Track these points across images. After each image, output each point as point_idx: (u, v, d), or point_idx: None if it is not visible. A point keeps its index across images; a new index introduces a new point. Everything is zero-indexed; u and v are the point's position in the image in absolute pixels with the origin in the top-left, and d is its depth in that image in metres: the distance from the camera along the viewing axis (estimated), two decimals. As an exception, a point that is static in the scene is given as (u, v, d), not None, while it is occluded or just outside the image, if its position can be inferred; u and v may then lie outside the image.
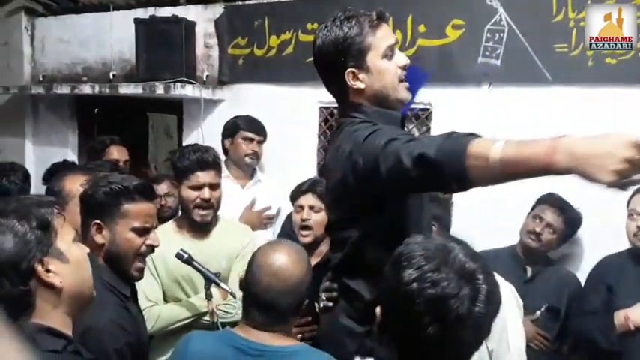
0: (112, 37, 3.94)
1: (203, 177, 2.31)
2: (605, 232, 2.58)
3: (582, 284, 2.61)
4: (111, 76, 3.95)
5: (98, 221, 1.66)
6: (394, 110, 1.62)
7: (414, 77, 1.67)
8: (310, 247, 2.36)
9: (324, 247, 2.37)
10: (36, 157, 4.38)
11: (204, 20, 3.66)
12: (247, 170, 3.18)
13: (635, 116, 2.56)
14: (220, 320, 2.13)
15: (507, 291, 1.81)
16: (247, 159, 3.12)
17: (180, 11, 3.62)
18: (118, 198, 1.66)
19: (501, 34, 2.84)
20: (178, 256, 2.11)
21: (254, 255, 1.57)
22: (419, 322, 1.01)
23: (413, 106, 3.04)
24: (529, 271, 2.65)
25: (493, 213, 2.74)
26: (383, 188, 1.41)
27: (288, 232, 2.69)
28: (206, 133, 3.58)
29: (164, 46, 3.49)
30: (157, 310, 2.22)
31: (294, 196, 2.53)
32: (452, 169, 1.23)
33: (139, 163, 3.98)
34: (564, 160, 1.10)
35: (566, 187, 2.54)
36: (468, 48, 2.92)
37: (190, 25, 3.59)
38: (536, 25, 2.79)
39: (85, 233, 1.67)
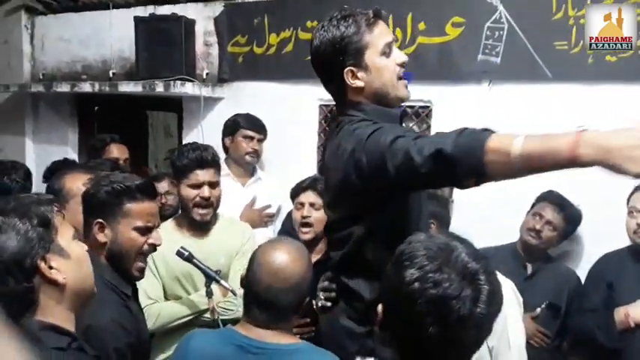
0: (111, 36, 3.94)
1: (202, 175, 2.31)
2: (606, 229, 2.58)
3: (582, 281, 2.62)
4: (111, 75, 3.95)
5: (100, 220, 1.66)
6: (393, 108, 1.62)
7: None
8: (311, 244, 2.37)
9: (324, 245, 2.37)
10: (36, 155, 4.38)
11: (203, 18, 3.65)
12: (248, 168, 3.18)
13: (636, 114, 2.55)
14: (221, 318, 2.14)
15: (508, 288, 1.81)
16: (248, 157, 3.12)
17: (179, 9, 3.62)
18: (120, 197, 1.66)
19: (501, 32, 2.84)
20: (179, 254, 2.12)
21: (255, 253, 1.57)
22: (420, 322, 1.00)
23: (411, 103, 3.05)
24: (529, 268, 2.66)
25: (493, 211, 2.74)
26: (389, 185, 1.40)
27: (289, 229, 2.69)
28: (206, 131, 3.58)
29: (164, 45, 3.49)
30: (157, 308, 2.22)
31: (295, 194, 2.53)
32: (470, 164, 1.23)
33: (138, 162, 3.99)
34: (590, 153, 1.11)
35: (566, 185, 2.55)
36: (468, 46, 2.92)
37: (190, 23, 3.59)
38: (536, 23, 2.78)
39: (87, 232, 1.67)
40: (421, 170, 1.29)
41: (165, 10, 3.70)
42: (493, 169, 1.22)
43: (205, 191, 2.31)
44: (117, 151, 3.24)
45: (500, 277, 1.12)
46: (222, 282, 2.11)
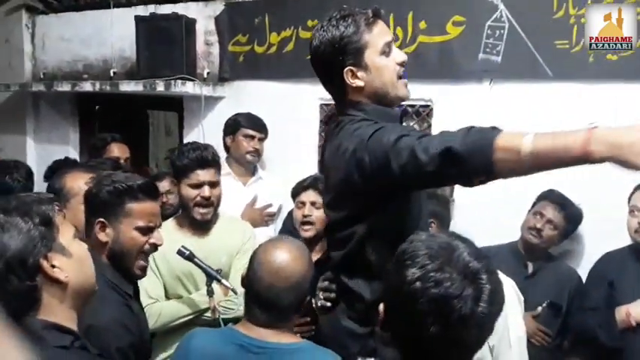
0: (112, 35, 3.93)
1: (203, 175, 2.31)
2: (607, 228, 2.58)
3: (583, 280, 2.62)
4: (111, 74, 3.95)
5: (102, 219, 1.66)
6: (392, 107, 1.62)
7: None
8: (311, 243, 2.37)
9: (324, 244, 2.37)
10: (37, 154, 4.38)
11: (204, 17, 3.65)
12: (249, 167, 3.18)
13: (636, 112, 2.55)
14: (222, 317, 2.14)
15: (508, 287, 1.81)
16: (248, 156, 3.12)
17: (180, 8, 3.61)
18: (122, 197, 1.66)
19: (502, 31, 2.84)
20: (180, 253, 2.12)
21: (255, 252, 1.57)
22: (421, 321, 1.00)
23: (412, 102, 3.05)
24: (530, 267, 2.66)
25: (494, 210, 2.74)
26: (393, 184, 1.40)
27: (290, 229, 2.69)
28: (207, 130, 3.58)
29: (164, 44, 3.49)
30: (158, 307, 2.22)
31: (296, 192, 2.54)
32: (478, 162, 1.23)
33: (139, 161, 3.98)
34: (602, 150, 1.12)
35: (567, 184, 2.55)
36: (468, 44, 2.92)
37: (191, 23, 3.59)
38: (537, 22, 2.78)
39: (88, 231, 1.67)
40: (427, 169, 1.29)
41: (166, 9, 3.69)
42: (502, 167, 1.22)
43: (206, 191, 2.31)
44: (118, 151, 3.24)
45: (502, 275, 1.12)
46: (223, 281, 2.12)
